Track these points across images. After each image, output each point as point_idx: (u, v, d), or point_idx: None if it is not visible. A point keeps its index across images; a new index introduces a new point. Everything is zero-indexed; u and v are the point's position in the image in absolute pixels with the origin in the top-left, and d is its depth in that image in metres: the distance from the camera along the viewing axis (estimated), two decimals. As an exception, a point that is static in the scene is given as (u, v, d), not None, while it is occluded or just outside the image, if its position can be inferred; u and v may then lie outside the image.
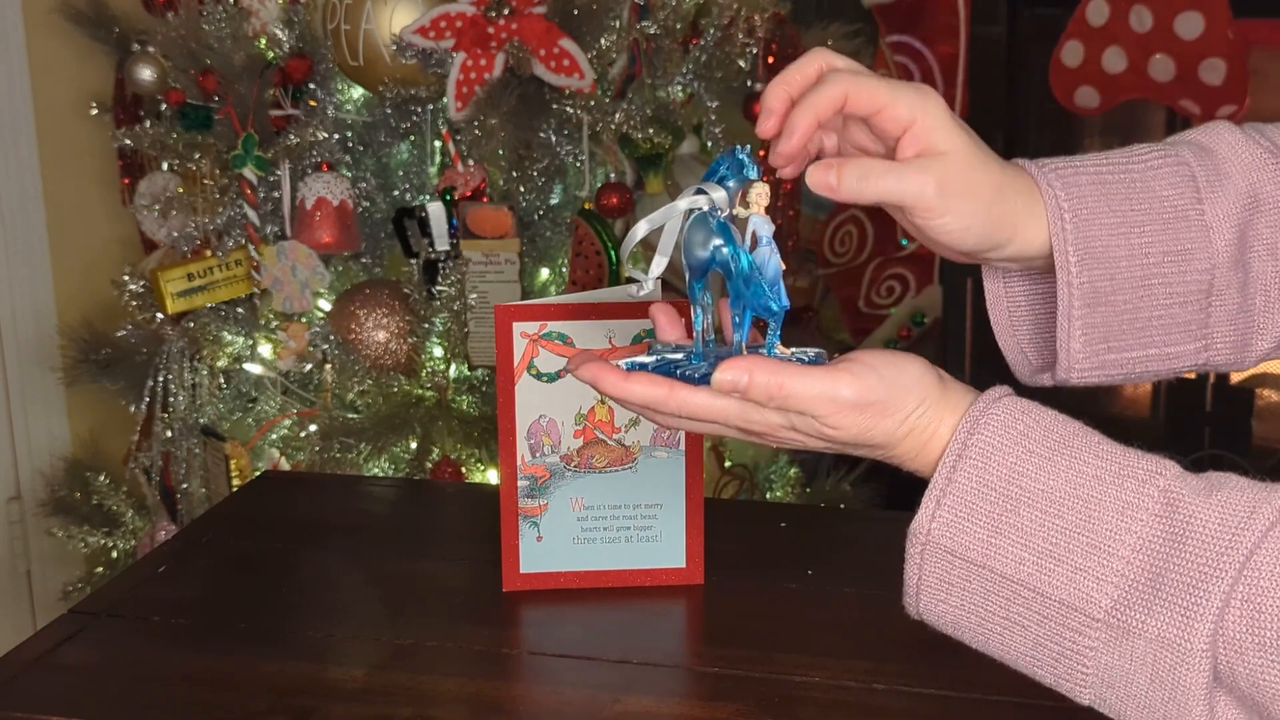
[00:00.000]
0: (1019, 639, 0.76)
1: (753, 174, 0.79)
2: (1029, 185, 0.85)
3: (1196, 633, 0.70)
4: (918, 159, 0.82)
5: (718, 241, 0.79)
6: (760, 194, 0.78)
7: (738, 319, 0.80)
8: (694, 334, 0.84)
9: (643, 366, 0.81)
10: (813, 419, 0.78)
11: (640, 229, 0.81)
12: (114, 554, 2.32)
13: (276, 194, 2.12)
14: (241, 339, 2.20)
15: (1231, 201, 0.86)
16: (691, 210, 0.81)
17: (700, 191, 0.81)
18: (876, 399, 0.77)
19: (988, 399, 0.78)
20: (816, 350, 0.81)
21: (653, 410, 0.80)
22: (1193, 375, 2.55)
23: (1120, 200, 0.85)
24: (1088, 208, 0.85)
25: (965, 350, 2.60)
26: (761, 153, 0.80)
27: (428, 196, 2.10)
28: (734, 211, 0.80)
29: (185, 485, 2.21)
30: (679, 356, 0.83)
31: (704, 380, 0.79)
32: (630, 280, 0.83)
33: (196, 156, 2.10)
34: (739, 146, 0.81)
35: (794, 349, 0.81)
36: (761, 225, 0.78)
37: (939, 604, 0.78)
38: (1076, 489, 0.74)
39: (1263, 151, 0.87)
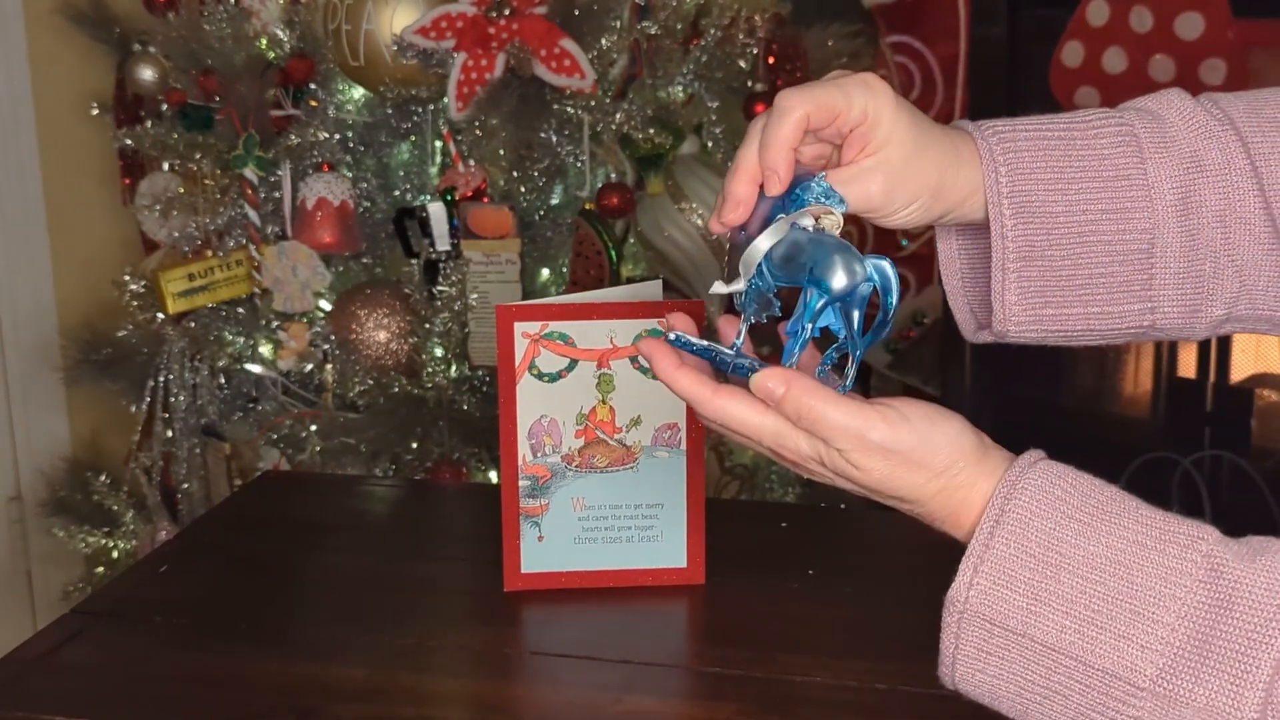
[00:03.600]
0: (1060, 709, 0.74)
1: (835, 204, 0.82)
2: (971, 148, 0.85)
3: (1247, 701, 0.68)
4: (859, 166, 0.83)
5: (860, 273, 0.79)
6: (835, 224, 0.81)
7: (798, 343, 0.80)
8: (741, 340, 0.84)
9: (688, 344, 0.82)
10: (838, 453, 0.77)
11: (763, 244, 0.82)
12: (114, 554, 2.32)
13: (277, 194, 2.12)
14: (242, 339, 2.20)
15: (1174, 164, 0.86)
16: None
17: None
18: (904, 448, 0.76)
19: (1023, 464, 0.77)
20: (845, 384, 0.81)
21: (694, 406, 0.81)
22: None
23: (1059, 157, 0.85)
24: (1024, 163, 0.85)
25: (965, 350, 2.60)
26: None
27: (428, 197, 2.10)
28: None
29: (185, 485, 2.21)
30: (728, 350, 0.83)
31: (739, 372, 0.80)
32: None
33: (197, 157, 2.10)
34: (818, 177, 0.83)
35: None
36: None
37: (976, 674, 0.76)
38: (1118, 554, 0.73)
39: (1211, 119, 0.87)
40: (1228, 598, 0.70)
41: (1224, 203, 0.86)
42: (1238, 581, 0.70)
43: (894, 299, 0.79)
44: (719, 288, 0.84)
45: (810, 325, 0.80)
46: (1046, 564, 0.73)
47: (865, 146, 0.83)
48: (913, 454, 0.76)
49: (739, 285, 0.82)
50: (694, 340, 0.82)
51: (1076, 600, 0.73)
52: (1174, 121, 0.87)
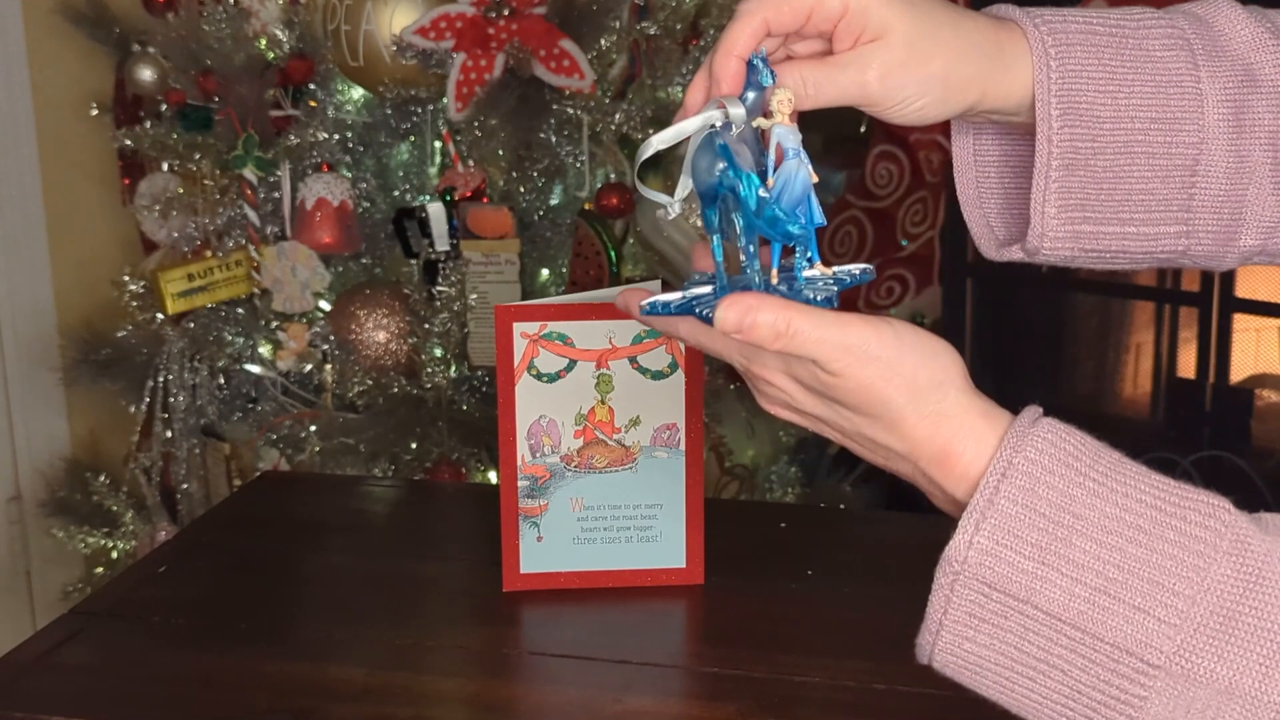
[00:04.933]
0: (1053, 685, 0.68)
1: (767, 81, 0.73)
2: (1004, 36, 0.78)
3: (1276, 682, 0.64)
4: (854, 52, 0.75)
5: (721, 165, 0.71)
6: (783, 101, 0.71)
7: (749, 248, 0.72)
8: (715, 264, 0.75)
9: (665, 306, 0.75)
10: (814, 365, 0.69)
11: (650, 146, 0.75)
12: (114, 554, 2.33)
13: (277, 194, 2.12)
14: (241, 339, 2.20)
15: (1227, 75, 0.78)
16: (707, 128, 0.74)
17: (718, 105, 0.74)
18: (884, 355, 0.69)
19: (1028, 418, 0.70)
20: (863, 267, 0.74)
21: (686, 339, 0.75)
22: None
23: (1110, 56, 0.78)
24: (1075, 59, 0.77)
25: (965, 350, 2.60)
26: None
27: (428, 197, 2.10)
28: (756, 122, 0.73)
29: (185, 485, 2.21)
30: (706, 290, 0.75)
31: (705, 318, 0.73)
32: (656, 205, 0.77)
33: (197, 157, 2.10)
34: (754, 53, 0.74)
35: (836, 267, 0.73)
36: (787, 135, 0.71)
37: (963, 642, 0.69)
38: (1137, 519, 0.67)
39: (1264, 31, 0.80)
40: (1257, 572, 0.66)
41: (1277, 122, 0.79)
42: (1267, 555, 0.66)
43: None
44: (663, 214, 0.77)
45: (712, 237, 0.75)
46: (1058, 525, 0.67)
47: (858, 38, 0.75)
48: (893, 362, 0.69)
49: (674, 209, 0.75)
50: (670, 298, 0.75)
51: (1089, 566, 0.66)
52: (1224, 30, 0.80)
